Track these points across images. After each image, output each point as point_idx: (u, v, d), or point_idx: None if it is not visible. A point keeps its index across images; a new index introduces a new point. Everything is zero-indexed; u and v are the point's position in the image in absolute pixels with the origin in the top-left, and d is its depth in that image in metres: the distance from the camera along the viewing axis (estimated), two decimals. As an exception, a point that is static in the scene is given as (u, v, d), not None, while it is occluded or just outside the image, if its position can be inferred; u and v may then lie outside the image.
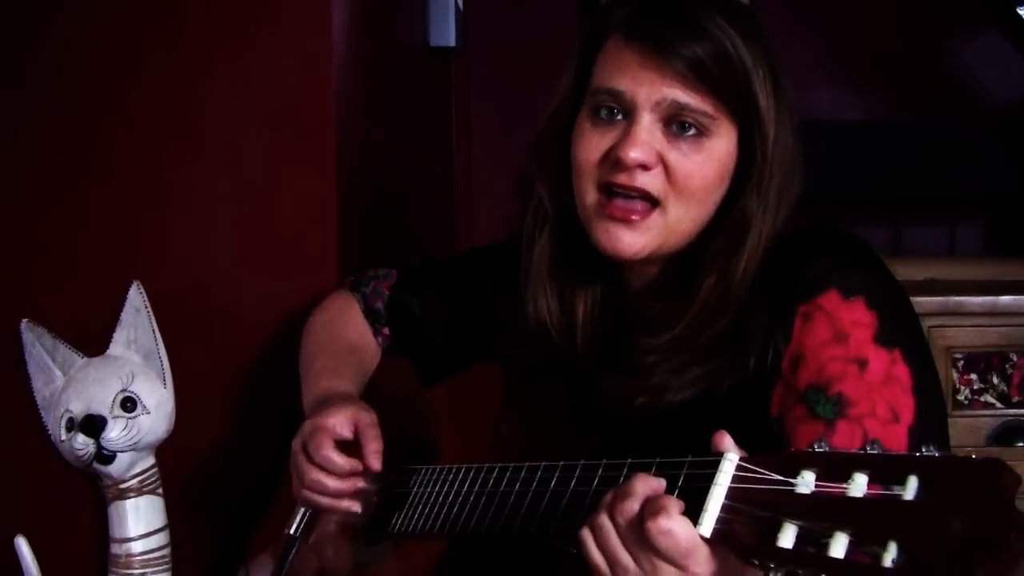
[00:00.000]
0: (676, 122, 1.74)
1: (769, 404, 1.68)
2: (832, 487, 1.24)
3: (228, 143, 2.53)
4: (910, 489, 1.18)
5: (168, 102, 2.54)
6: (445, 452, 1.99)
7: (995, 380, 3.09)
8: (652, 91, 1.73)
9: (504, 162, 4.23)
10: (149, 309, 2.47)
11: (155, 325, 2.47)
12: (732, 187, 1.79)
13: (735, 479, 1.35)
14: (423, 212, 3.70)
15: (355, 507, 1.90)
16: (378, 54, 3.06)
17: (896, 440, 1.58)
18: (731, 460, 1.36)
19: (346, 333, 2.23)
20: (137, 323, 2.47)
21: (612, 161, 1.75)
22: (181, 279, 2.54)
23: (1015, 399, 3.09)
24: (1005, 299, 3.08)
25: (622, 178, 1.74)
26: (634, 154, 1.72)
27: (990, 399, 3.10)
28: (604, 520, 1.44)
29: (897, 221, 4.13)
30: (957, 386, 3.07)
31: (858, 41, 4.17)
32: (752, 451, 1.39)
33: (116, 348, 2.48)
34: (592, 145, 1.78)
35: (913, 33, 4.13)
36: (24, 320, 2.51)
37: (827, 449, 1.29)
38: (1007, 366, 3.09)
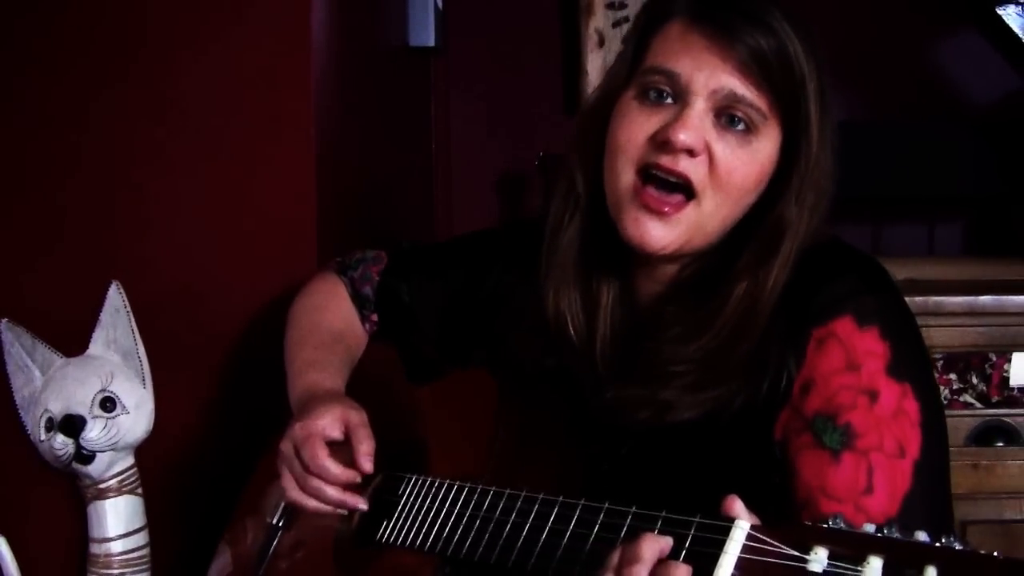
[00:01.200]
0: (727, 115, 1.73)
1: (773, 426, 1.67)
2: (846, 568, 1.22)
3: (207, 142, 2.53)
4: None
5: (147, 101, 2.53)
6: (435, 453, 1.98)
7: (974, 380, 3.10)
8: (711, 78, 1.72)
9: (483, 160, 4.25)
10: (128, 309, 2.47)
11: (134, 325, 2.46)
12: (768, 194, 1.78)
13: (745, 548, 1.32)
14: (402, 211, 3.69)
15: (358, 503, 1.89)
16: (357, 53, 3.05)
17: (901, 475, 1.58)
18: (742, 528, 1.34)
19: (332, 320, 2.20)
20: (116, 323, 2.46)
21: (658, 143, 1.73)
22: (160, 279, 2.54)
23: (994, 399, 3.10)
24: (984, 299, 3.09)
25: (666, 160, 1.72)
26: (683, 136, 1.70)
27: (969, 399, 3.10)
28: None
29: (877, 221, 4.12)
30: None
31: (838, 41, 4.15)
32: (753, 474, 1.37)
33: (95, 348, 2.47)
34: (637, 125, 1.76)
35: (893, 33, 4.13)
36: (3, 320, 2.50)
37: (843, 525, 1.26)
38: (986, 366, 3.10)
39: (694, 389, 1.73)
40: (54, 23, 2.54)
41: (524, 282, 1.98)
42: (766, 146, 1.75)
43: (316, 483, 1.86)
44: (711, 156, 1.72)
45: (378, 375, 2.18)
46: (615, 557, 1.43)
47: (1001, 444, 3.10)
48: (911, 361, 1.66)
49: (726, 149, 1.72)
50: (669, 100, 1.75)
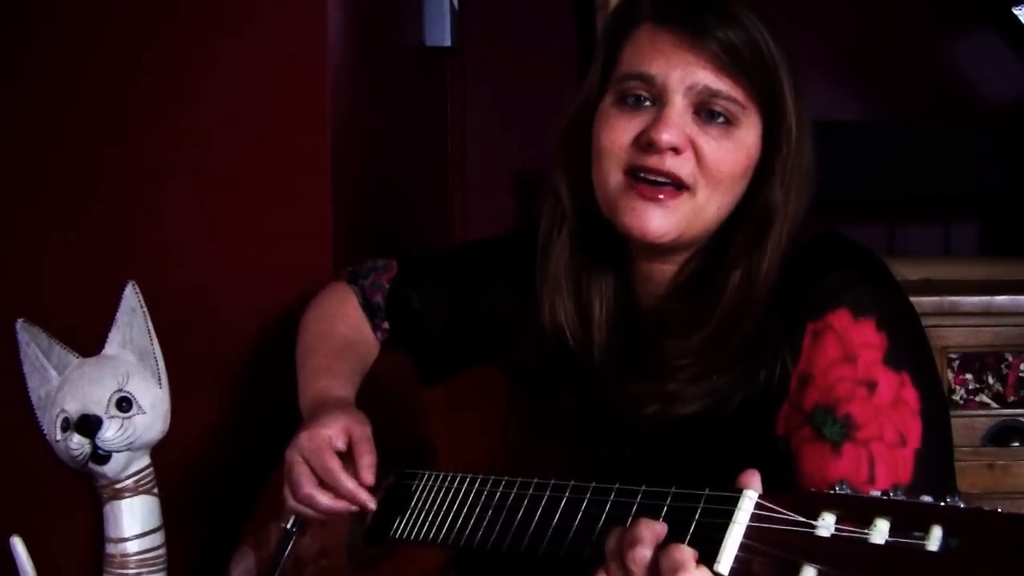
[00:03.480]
0: (705, 110, 1.75)
1: (775, 422, 1.68)
2: (853, 531, 1.22)
3: (223, 142, 2.53)
4: (933, 539, 1.16)
5: (163, 102, 2.53)
6: (443, 453, 1.98)
7: (990, 380, 3.09)
8: (685, 74, 1.74)
9: (499, 160, 4.25)
10: (144, 309, 2.47)
11: (150, 325, 2.47)
12: (754, 181, 1.80)
13: (754, 517, 1.32)
14: (418, 210, 3.70)
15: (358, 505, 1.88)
16: (374, 53, 3.06)
17: (903, 464, 1.58)
18: (750, 498, 1.34)
19: (343, 328, 2.20)
20: (132, 323, 2.47)
21: (642, 145, 1.75)
22: (176, 279, 2.54)
23: (1010, 399, 3.09)
24: (1000, 299, 3.09)
25: (652, 161, 1.74)
26: (667, 136, 1.72)
27: (985, 399, 3.10)
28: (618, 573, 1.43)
29: (893, 221, 4.13)
30: (952, 386, 3.08)
31: (854, 41, 4.17)
32: (759, 470, 1.37)
33: (111, 348, 2.48)
34: (620, 129, 1.78)
35: (909, 33, 4.13)
36: (19, 320, 2.51)
37: (849, 491, 1.27)
38: (1002, 366, 3.09)
39: (698, 379, 1.74)
40: (71, 27, 2.54)
41: (521, 295, 2.00)
42: (748, 135, 1.77)
43: (308, 491, 1.85)
44: (696, 151, 1.74)
45: (387, 376, 2.18)
46: (612, 541, 1.44)
47: (1017, 444, 3.10)
48: (909, 350, 1.65)
49: (710, 143, 1.74)
50: (648, 104, 1.77)
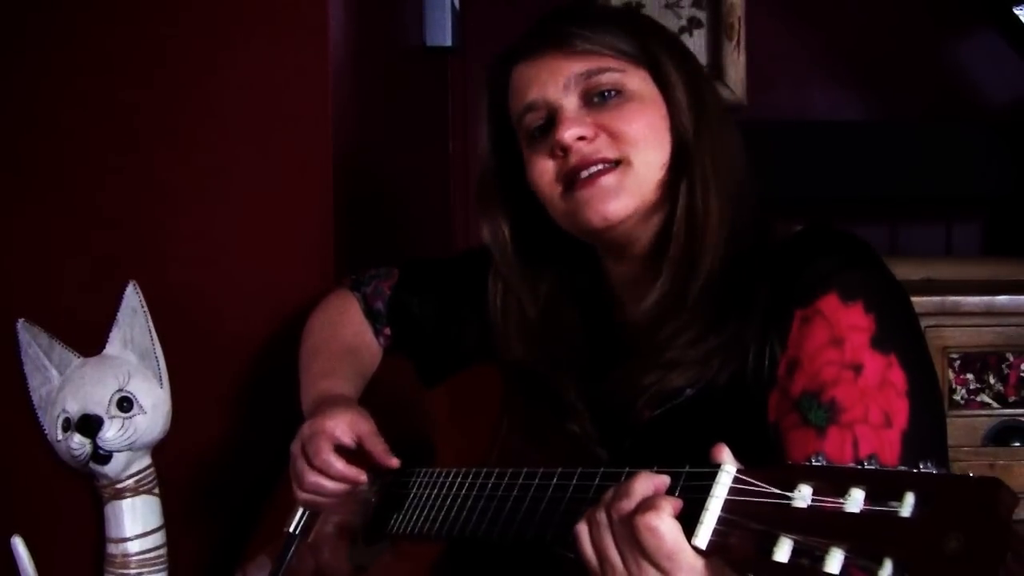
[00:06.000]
0: (596, 94, 1.80)
1: (766, 410, 1.68)
2: (829, 502, 1.23)
3: (225, 143, 2.53)
4: (907, 506, 1.17)
5: (165, 102, 2.53)
6: (442, 452, 1.99)
7: (991, 380, 3.09)
8: (557, 78, 1.81)
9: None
10: (146, 309, 2.47)
11: (151, 325, 2.47)
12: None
13: (732, 491, 1.34)
14: (420, 212, 3.69)
15: (362, 481, 1.90)
16: (375, 54, 3.06)
17: (889, 445, 1.57)
18: (728, 472, 1.35)
19: (346, 333, 2.22)
20: (134, 323, 2.47)
21: (557, 155, 1.80)
22: (178, 279, 2.54)
23: (1011, 399, 3.10)
24: (1002, 299, 3.09)
25: (573, 160, 1.79)
26: (567, 133, 1.78)
27: (986, 399, 3.10)
28: (601, 516, 1.43)
29: (894, 221, 4.12)
30: (953, 386, 3.08)
31: (856, 41, 4.16)
32: (749, 457, 1.38)
33: (112, 348, 2.48)
34: (541, 161, 1.84)
35: (910, 33, 4.12)
36: (20, 320, 2.51)
37: (824, 463, 1.28)
38: (1003, 366, 3.09)
39: (694, 343, 1.75)
40: (71, 30, 2.55)
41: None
42: (644, 88, 1.83)
43: (314, 478, 1.89)
44: (606, 130, 1.79)
45: (385, 374, 2.19)
46: (609, 493, 1.44)
47: (1018, 444, 3.10)
48: (897, 332, 1.65)
49: (614, 115, 1.80)
50: (549, 126, 1.82)
